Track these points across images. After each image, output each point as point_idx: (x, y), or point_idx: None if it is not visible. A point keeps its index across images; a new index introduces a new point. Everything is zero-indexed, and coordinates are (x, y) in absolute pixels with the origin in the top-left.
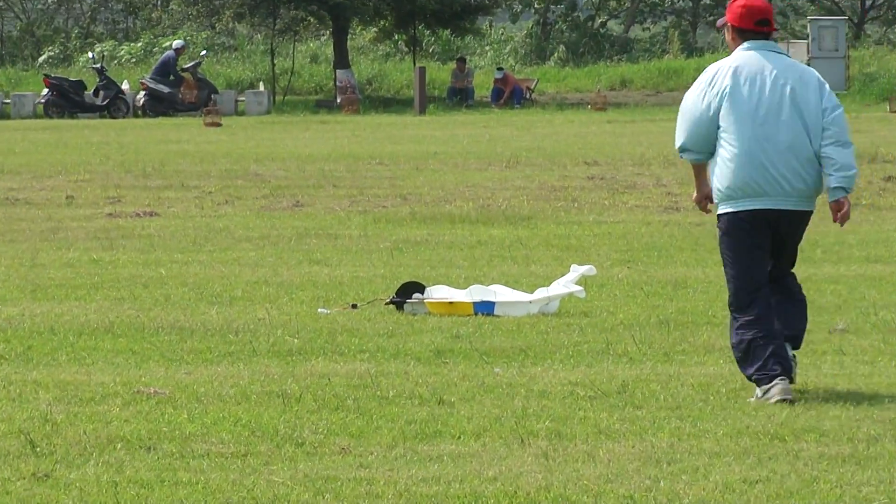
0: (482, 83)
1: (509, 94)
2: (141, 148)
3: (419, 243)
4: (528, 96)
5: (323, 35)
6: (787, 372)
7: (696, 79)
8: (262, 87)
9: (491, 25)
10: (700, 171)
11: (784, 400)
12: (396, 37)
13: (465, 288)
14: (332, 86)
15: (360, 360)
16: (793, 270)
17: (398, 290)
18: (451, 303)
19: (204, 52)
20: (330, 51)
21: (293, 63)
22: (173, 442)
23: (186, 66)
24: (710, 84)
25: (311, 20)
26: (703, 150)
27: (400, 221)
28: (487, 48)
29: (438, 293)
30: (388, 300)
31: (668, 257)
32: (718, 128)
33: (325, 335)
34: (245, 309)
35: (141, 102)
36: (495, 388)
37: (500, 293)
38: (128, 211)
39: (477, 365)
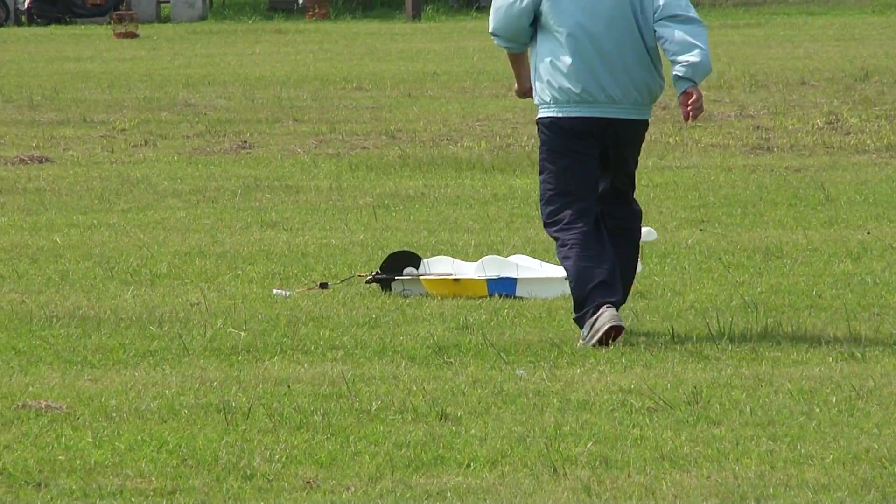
0: None
1: None
2: (26, 68)
3: (412, 198)
4: None
5: None
6: (615, 300)
7: None
8: None
9: None
10: (518, 60)
11: (615, 327)
12: None
13: (477, 260)
14: None
15: (331, 361)
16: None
17: (384, 263)
18: (456, 280)
19: None
20: None
21: None
22: (73, 476)
23: None
24: None
25: None
26: (514, 38)
27: (386, 169)
28: None
29: (439, 267)
30: (369, 277)
31: (757, 216)
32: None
33: (284, 326)
34: (172, 291)
35: (26, 4)
36: (518, 397)
37: (523, 267)
38: (8, 156)
39: (492, 366)
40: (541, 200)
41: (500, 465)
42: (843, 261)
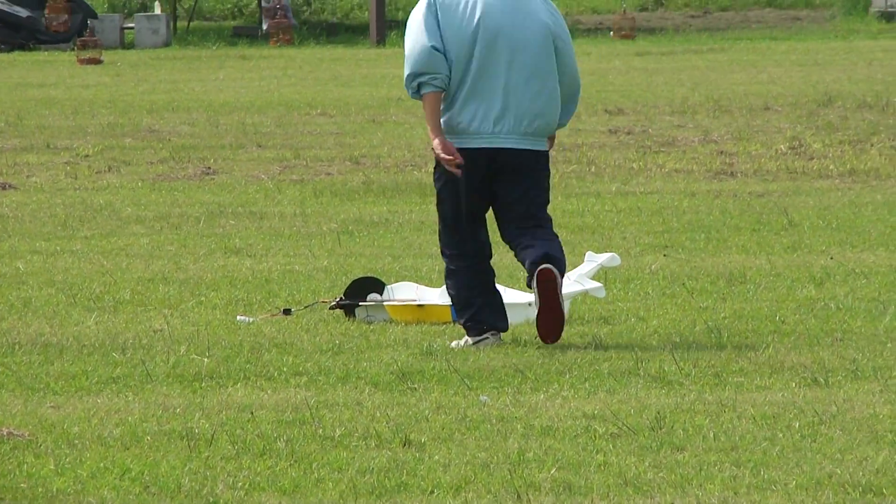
0: None
1: None
2: None
3: (377, 224)
4: None
5: None
6: (501, 326)
7: None
8: (158, 10)
9: None
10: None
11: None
12: None
13: (441, 286)
14: (255, 7)
15: (295, 387)
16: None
17: (348, 289)
18: (420, 306)
19: None
20: None
21: None
22: (35, 503)
23: None
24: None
25: None
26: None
27: (350, 194)
28: None
29: (403, 293)
30: (333, 303)
31: (720, 241)
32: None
33: (247, 353)
34: (135, 317)
35: None
36: (482, 423)
37: None
38: None
39: (456, 392)
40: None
41: (464, 492)
42: (807, 286)
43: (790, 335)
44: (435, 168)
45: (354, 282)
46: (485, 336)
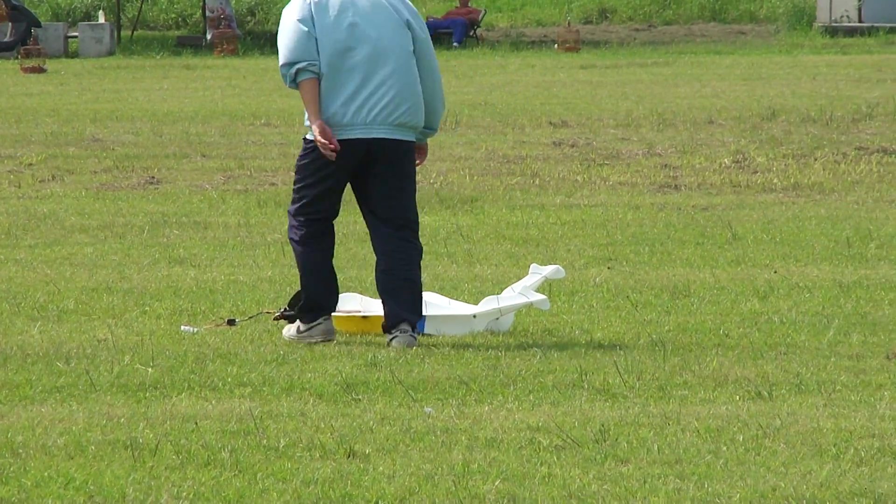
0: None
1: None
2: None
3: None
4: (472, 33)
5: None
6: (329, 310)
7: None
8: (102, 19)
9: None
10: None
11: (326, 340)
12: None
13: None
14: (199, 17)
15: (239, 398)
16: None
17: (292, 299)
18: (364, 317)
19: None
20: None
21: None
22: None
23: None
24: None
25: None
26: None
27: None
28: None
29: (348, 304)
30: (277, 313)
31: (665, 254)
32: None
33: (191, 363)
34: (79, 327)
35: None
36: (426, 435)
37: (432, 304)
38: None
39: (401, 403)
40: None
41: (408, 503)
42: (751, 299)
43: (734, 348)
44: (305, 151)
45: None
46: (318, 322)
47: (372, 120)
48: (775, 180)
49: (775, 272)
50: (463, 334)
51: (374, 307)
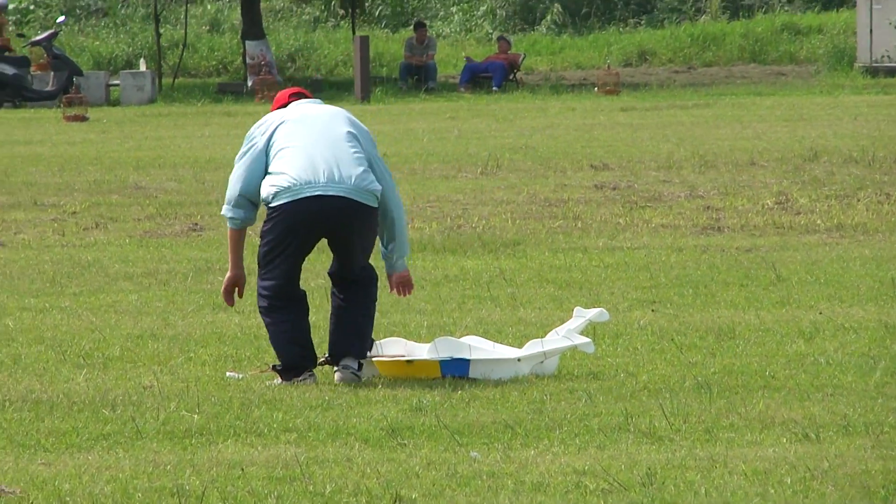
0: (448, 58)
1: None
2: None
3: None
4: (512, 76)
5: None
6: (311, 366)
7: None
8: (143, 67)
9: None
10: (242, 238)
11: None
12: None
13: (429, 341)
14: (240, 64)
15: (285, 443)
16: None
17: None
18: (409, 362)
19: (62, 19)
20: (237, 15)
21: (186, 33)
22: None
23: (38, 37)
24: (258, 128)
25: None
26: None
27: None
28: (454, 9)
29: (392, 349)
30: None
31: (709, 296)
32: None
33: (237, 409)
34: (125, 374)
35: None
36: (472, 479)
37: (476, 348)
38: None
39: (446, 448)
40: None
41: None
42: (796, 341)
43: (780, 390)
44: (266, 226)
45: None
46: (303, 378)
47: (330, 181)
48: (818, 221)
49: (820, 313)
50: (508, 378)
51: (418, 351)
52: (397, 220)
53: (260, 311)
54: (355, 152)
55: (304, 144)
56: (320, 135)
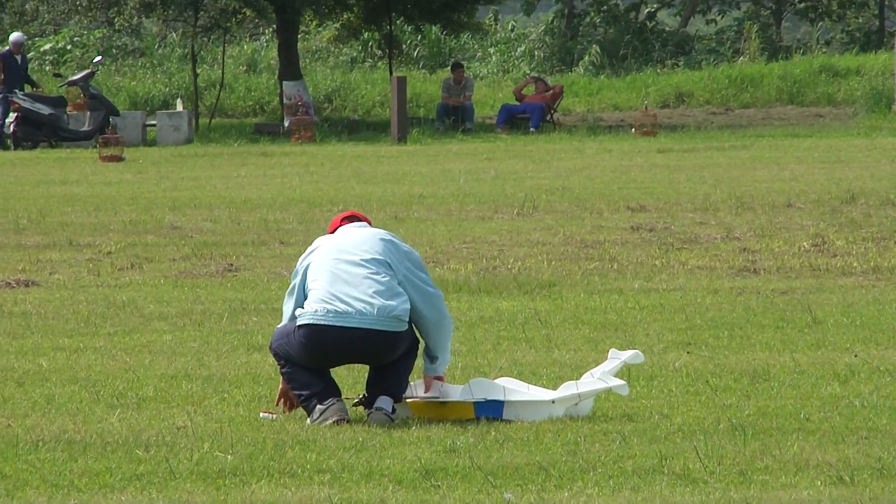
0: (485, 98)
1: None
2: (12, 192)
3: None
4: (549, 117)
5: (263, 34)
6: (338, 393)
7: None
8: (180, 107)
9: (497, 19)
10: None
11: (340, 420)
12: (366, 35)
13: (464, 382)
14: (276, 104)
15: (318, 484)
16: None
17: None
18: (443, 403)
19: (99, 59)
20: (274, 55)
21: (223, 73)
22: None
23: (75, 77)
24: (302, 259)
25: (247, 13)
26: None
27: None
28: (492, 50)
29: (422, 390)
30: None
31: (744, 338)
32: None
33: (270, 450)
34: (158, 414)
35: (12, 129)
36: None
37: (510, 389)
38: None
39: (480, 489)
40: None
41: None
42: (831, 383)
43: (815, 433)
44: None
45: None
46: (329, 403)
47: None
48: (855, 264)
49: (856, 356)
50: (542, 419)
51: (452, 392)
52: (436, 339)
53: (274, 356)
54: (381, 279)
55: (331, 274)
56: (353, 268)
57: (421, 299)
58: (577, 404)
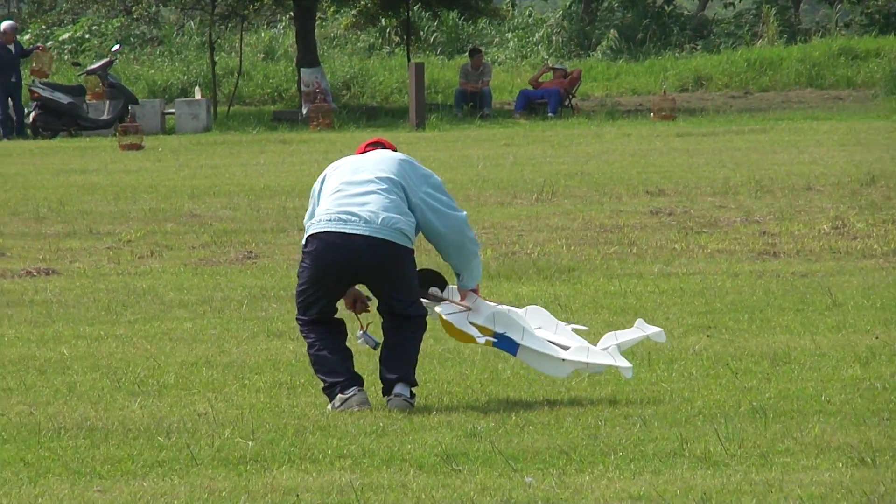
0: (503, 84)
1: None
2: (32, 181)
3: None
4: (567, 102)
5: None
6: (361, 383)
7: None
8: (198, 95)
9: (514, 4)
10: None
11: (361, 407)
12: (383, 22)
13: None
14: (294, 91)
15: (339, 469)
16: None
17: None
18: (470, 321)
19: (117, 47)
20: (291, 43)
21: (241, 61)
22: None
23: (93, 66)
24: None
25: (265, 0)
26: None
27: None
28: (509, 35)
29: (458, 297)
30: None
31: (764, 321)
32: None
33: (291, 436)
34: (179, 401)
35: (31, 117)
36: None
37: (529, 333)
38: (15, 268)
39: (501, 473)
40: None
41: None
42: (852, 366)
43: (836, 415)
44: (300, 268)
45: (420, 271)
46: (351, 392)
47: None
48: (875, 246)
49: (877, 338)
50: (549, 374)
51: (483, 310)
52: (458, 260)
53: (302, 335)
54: (390, 195)
55: (339, 189)
56: (363, 183)
57: (439, 220)
58: (587, 366)
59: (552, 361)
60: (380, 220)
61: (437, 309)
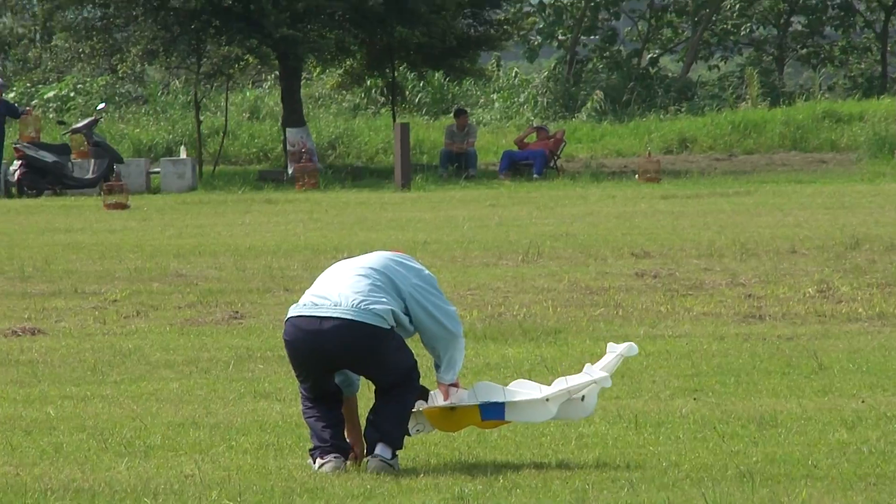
0: (488, 145)
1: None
2: (17, 240)
3: None
4: (552, 164)
5: (266, 81)
6: (342, 452)
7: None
8: (183, 154)
9: (499, 66)
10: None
11: (337, 469)
12: (369, 82)
13: (469, 387)
14: (280, 151)
15: None
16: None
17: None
18: (452, 409)
19: (102, 106)
20: (277, 102)
21: (226, 120)
22: None
23: (78, 125)
24: None
25: (250, 60)
26: None
27: None
28: (495, 96)
29: (441, 399)
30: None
31: (751, 385)
32: None
33: (279, 498)
34: (166, 462)
35: (17, 176)
36: None
37: (509, 391)
38: (0, 328)
39: None
40: None
41: None
42: (838, 430)
43: (823, 479)
44: None
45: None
46: (328, 459)
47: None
48: (860, 310)
49: (863, 402)
50: (543, 421)
51: (464, 398)
52: (443, 353)
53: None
54: (368, 281)
55: (320, 278)
56: (343, 272)
57: (426, 314)
58: (582, 400)
59: (539, 406)
60: (350, 301)
61: (422, 409)
